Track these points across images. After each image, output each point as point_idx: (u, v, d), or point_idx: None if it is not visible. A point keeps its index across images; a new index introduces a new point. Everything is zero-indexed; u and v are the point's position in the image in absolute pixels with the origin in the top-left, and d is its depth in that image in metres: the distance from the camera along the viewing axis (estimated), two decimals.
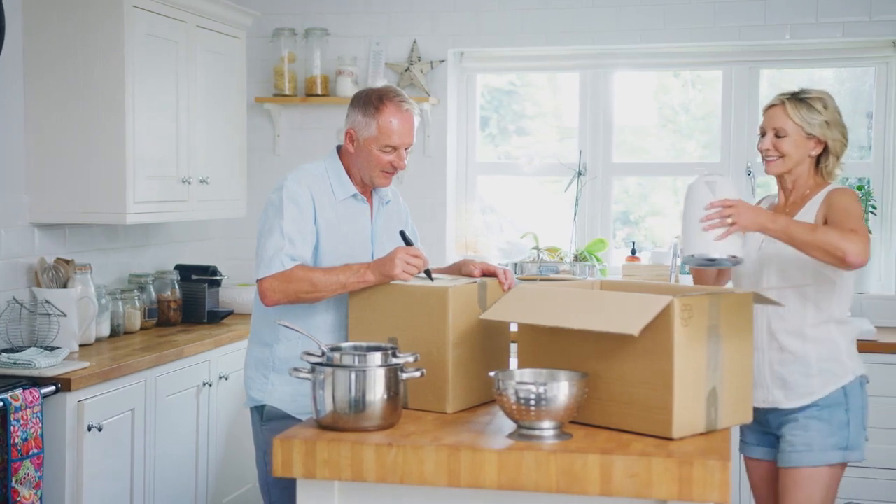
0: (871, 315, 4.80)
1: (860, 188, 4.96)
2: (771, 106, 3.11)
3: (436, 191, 5.26)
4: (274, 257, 2.86)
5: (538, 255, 5.18)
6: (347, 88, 5.20)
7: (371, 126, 2.97)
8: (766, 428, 3.12)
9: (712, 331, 2.52)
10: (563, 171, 5.31)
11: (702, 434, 2.51)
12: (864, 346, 4.27)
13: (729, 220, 2.80)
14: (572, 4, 5.07)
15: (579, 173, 5.26)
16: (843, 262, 2.82)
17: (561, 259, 5.19)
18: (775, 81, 5.19)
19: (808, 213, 3.05)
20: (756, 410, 3.02)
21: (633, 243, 5.23)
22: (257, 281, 2.90)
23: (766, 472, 3.18)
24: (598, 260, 5.16)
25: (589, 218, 5.31)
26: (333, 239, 2.98)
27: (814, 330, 3.02)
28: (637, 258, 5.15)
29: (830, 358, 3.02)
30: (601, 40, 5.09)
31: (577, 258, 5.18)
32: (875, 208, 4.95)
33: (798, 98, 3.06)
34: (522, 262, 5.14)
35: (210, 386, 4.26)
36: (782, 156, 3.07)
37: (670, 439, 2.44)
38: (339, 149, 3.11)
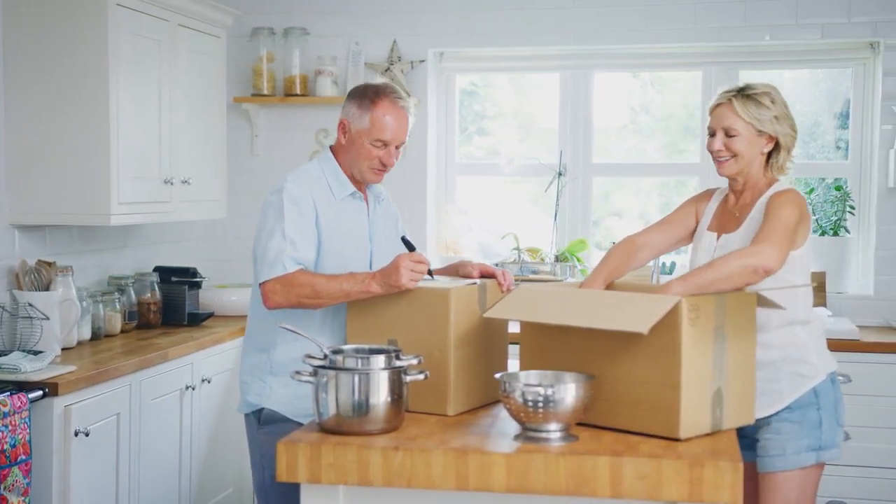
0: (851, 315, 4.83)
1: (838, 188, 5.00)
2: (718, 105, 2.97)
3: (416, 191, 5.24)
4: (276, 260, 2.82)
5: (519, 256, 5.18)
6: (327, 88, 5.16)
7: (364, 119, 2.96)
8: (741, 432, 2.96)
9: (718, 331, 2.52)
10: (540, 172, 5.30)
11: (707, 435, 2.51)
12: (847, 346, 4.34)
13: None
14: (553, 5, 5.07)
15: (560, 174, 5.25)
16: (757, 275, 2.67)
17: (542, 260, 5.19)
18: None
19: (754, 219, 2.94)
20: None
21: (614, 243, 5.22)
22: (259, 284, 2.86)
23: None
24: (578, 260, 5.16)
25: (569, 218, 5.31)
26: (334, 239, 2.95)
27: (777, 334, 2.91)
28: None
29: (798, 360, 2.92)
30: (582, 41, 5.09)
31: (557, 259, 5.18)
32: (853, 208, 4.99)
33: (745, 95, 2.94)
34: (503, 263, 5.13)
35: (193, 389, 4.21)
36: (735, 155, 2.95)
37: (677, 440, 2.44)
38: (332, 149, 3.08)
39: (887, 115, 4.86)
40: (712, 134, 2.99)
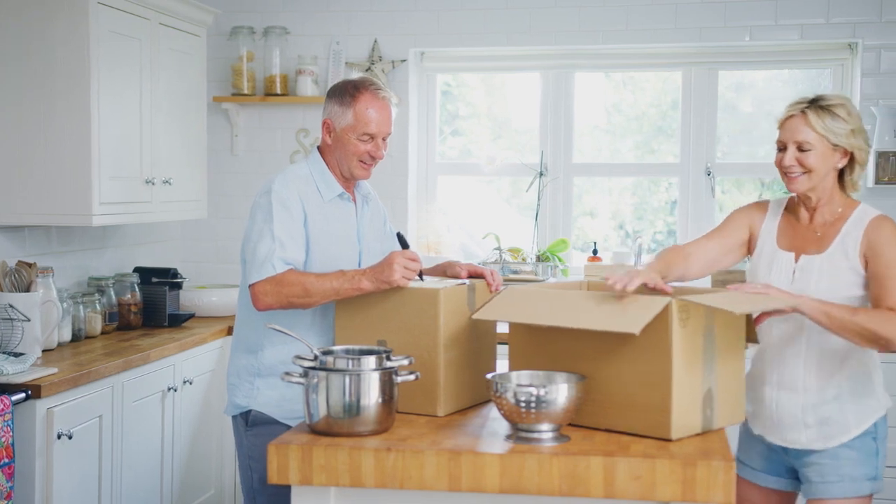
0: None
1: None
2: (790, 116, 2.78)
3: (398, 191, 5.23)
4: (265, 261, 2.80)
5: (500, 256, 5.18)
6: (307, 88, 5.14)
7: (347, 115, 2.94)
8: (783, 458, 2.91)
9: (708, 331, 2.53)
10: (521, 172, 5.30)
11: (698, 435, 2.51)
12: None
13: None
14: (534, 5, 5.07)
15: (541, 174, 5.26)
16: (884, 350, 2.66)
17: (523, 259, 5.19)
18: (735, 82, 5.27)
19: (847, 244, 2.77)
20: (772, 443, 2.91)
21: (595, 243, 5.25)
22: (249, 286, 2.84)
23: (772, 501, 2.96)
24: (560, 260, 5.16)
25: (550, 218, 5.31)
26: (323, 240, 2.93)
27: (851, 365, 2.79)
28: (598, 258, 5.16)
29: (865, 392, 2.81)
30: (563, 41, 5.10)
31: (539, 258, 5.18)
32: None
33: (819, 106, 2.74)
34: (485, 263, 5.12)
35: (175, 391, 4.18)
36: (808, 171, 2.76)
37: (668, 440, 2.45)
38: (319, 149, 3.06)
39: (866, 115, 4.88)
40: (782, 148, 2.80)
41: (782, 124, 2.80)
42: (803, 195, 2.83)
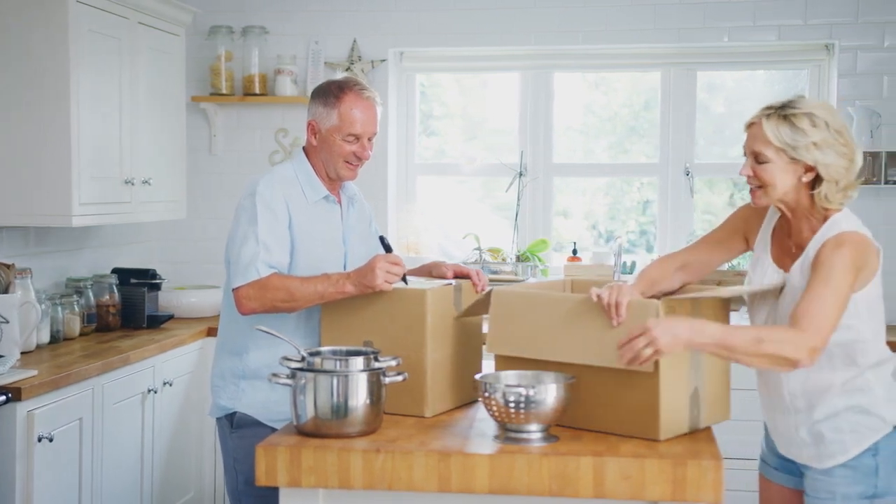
0: None
1: None
2: (751, 123, 2.55)
3: (377, 192, 5.21)
4: (250, 265, 2.78)
5: (480, 256, 5.17)
6: (286, 88, 5.12)
7: (332, 116, 2.92)
8: (790, 458, 2.73)
9: None
10: (500, 172, 5.30)
11: (685, 434, 2.52)
12: None
13: (647, 352, 2.31)
14: (513, 5, 5.07)
15: (521, 174, 5.26)
16: (790, 366, 2.40)
17: (504, 260, 5.19)
18: (708, 82, 5.30)
19: (805, 265, 2.53)
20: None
21: (574, 243, 5.26)
22: (233, 290, 2.81)
23: (783, 498, 2.77)
24: (540, 260, 5.17)
25: (530, 218, 5.31)
26: (307, 242, 2.91)
27: (847, 385, 2.56)
28: (578, 258, 5.17)
29: (864, 411, 2.56)
30: (542, 41, 5.10)
31: (519, 258, 5.18)
32: None
33: (781, 115, 2.49)
34: (465, 263, 5.12)
35: (155, 392, 4.15)
36: (763, 186, 2.52)
37: (656, 440, 2.45)
38: (305, 150, 3.05)
39: (842, 116, 4.91)
40: (745, 155, 2.58)
41: (746, 129, 2.57)
42: (776, 205, 2.60)
